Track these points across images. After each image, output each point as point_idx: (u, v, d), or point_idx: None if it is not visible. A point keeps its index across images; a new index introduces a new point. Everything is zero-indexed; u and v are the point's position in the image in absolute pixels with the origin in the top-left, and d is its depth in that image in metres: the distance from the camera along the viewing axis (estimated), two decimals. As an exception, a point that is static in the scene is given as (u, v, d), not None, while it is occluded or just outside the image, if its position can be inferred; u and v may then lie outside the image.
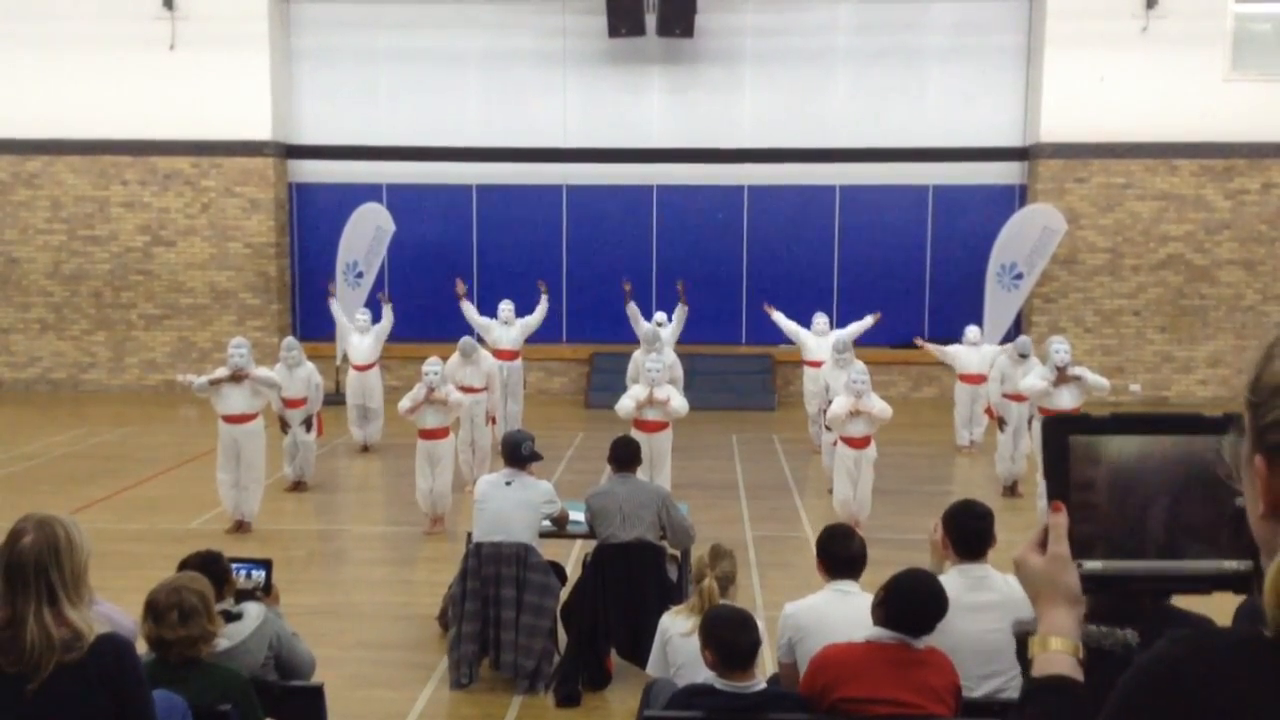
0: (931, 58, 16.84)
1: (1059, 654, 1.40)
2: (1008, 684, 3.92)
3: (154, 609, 3.59)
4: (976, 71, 16.83)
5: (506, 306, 13.23)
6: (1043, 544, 1.46)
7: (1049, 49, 16.11)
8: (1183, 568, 1.41)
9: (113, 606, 4.21)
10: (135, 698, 2.71)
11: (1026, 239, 15.26)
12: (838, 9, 16.91)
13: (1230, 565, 1.36)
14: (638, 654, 5.69)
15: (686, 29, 15.92)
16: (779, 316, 13.44)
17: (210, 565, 4.16)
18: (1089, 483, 1.43)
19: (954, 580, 4.12)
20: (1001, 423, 10.92)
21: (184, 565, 4.12)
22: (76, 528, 2.83)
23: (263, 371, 9.62)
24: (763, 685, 3.60)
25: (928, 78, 16.87)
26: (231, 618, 4.14)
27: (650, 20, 15.89)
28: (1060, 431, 1.44)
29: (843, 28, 16.95)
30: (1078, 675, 1.38)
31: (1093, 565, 1.43)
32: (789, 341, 13.86)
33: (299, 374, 10.83)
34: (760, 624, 4.70)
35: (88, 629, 2.69)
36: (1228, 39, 16.05)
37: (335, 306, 13.66)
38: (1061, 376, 9.27)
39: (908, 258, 17.05)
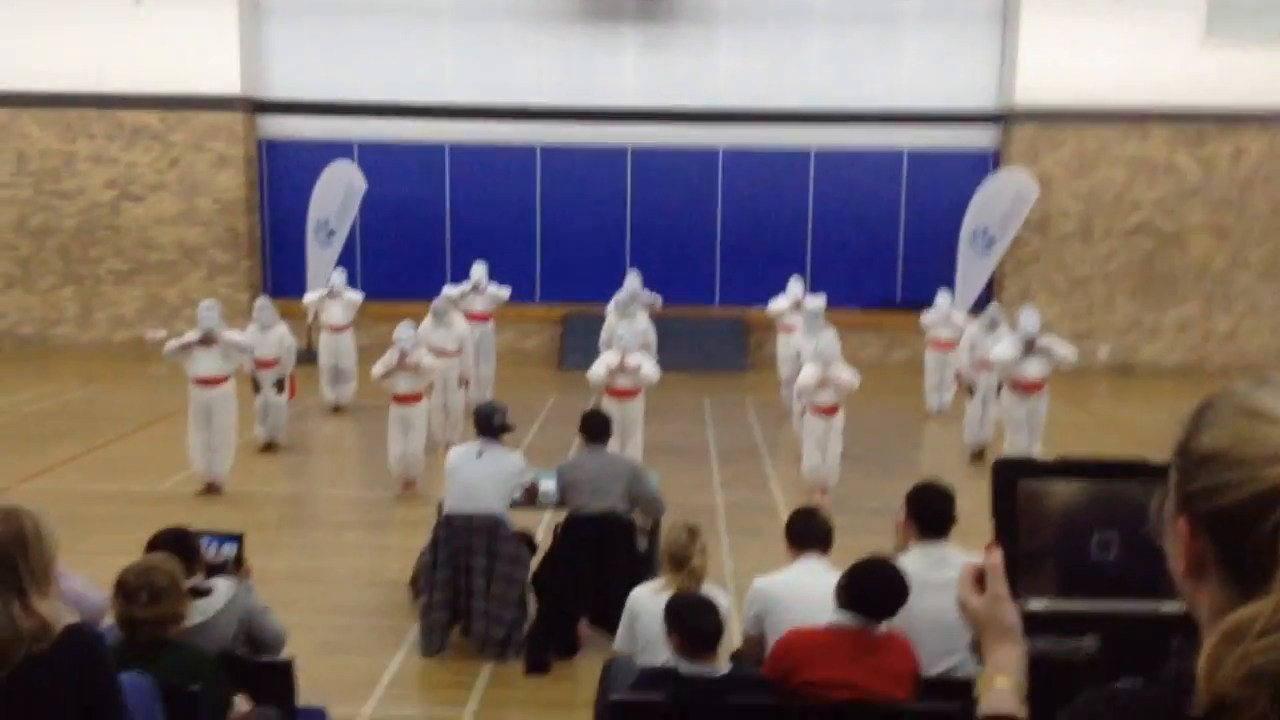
0: (908, 20, 16.77)
1: (1004, 692, 1.43)
2: (963, 663, 4.01)
3: (124, 589, 3.61)
4: (952, 35, 16.78)
5: (479, 269, 13.21)
6: (979, 581, 1.49)
7: (1025, 13, 16.08)
8: (1125, 608, 1.45)
9: (81, 579, 4.23)
10: (104, 688, 2.73)
11: (999, 204, 15.34)
12: (815, -32, 16.80)
13: (1169, 607, 1.39)
14: (607, 622, 5.77)
15: (662, -14, 15.79)
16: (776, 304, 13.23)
17: (179, 542, 4.17)
18: (1038, 523, 1.47)
19: (915, 559, 4.22)
20: (970, 390, 11.03)
21: (153, 543, 4.12)
22: (44, 517, 2.84)
23: (233, 334, 9.58)
24: (727, 668, 3.67)
25: (904, 41, 16.81)
26: (201, 593, 4.16)
27: (626, -23, 15.74)
28: (1009, 474, 1.48)
29: (820, -13, 16.85)
30: (1022, 713, 1.43)
31: (1036, 604, 1.47)
32: (762, 302, 13.88)
33: (271, 335, 10.80)
34: (729, 591, 4.82)
35: (55, 620, 2.70)
36: (1202, 5, 16.06)
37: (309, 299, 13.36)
38: (1030, 346, 9.35)
39: (881, 222, 17.08)
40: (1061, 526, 1.47)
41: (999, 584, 1.47)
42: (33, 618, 2.65)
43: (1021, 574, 1.47)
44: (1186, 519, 1.18)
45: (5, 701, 2.61)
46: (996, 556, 1.48)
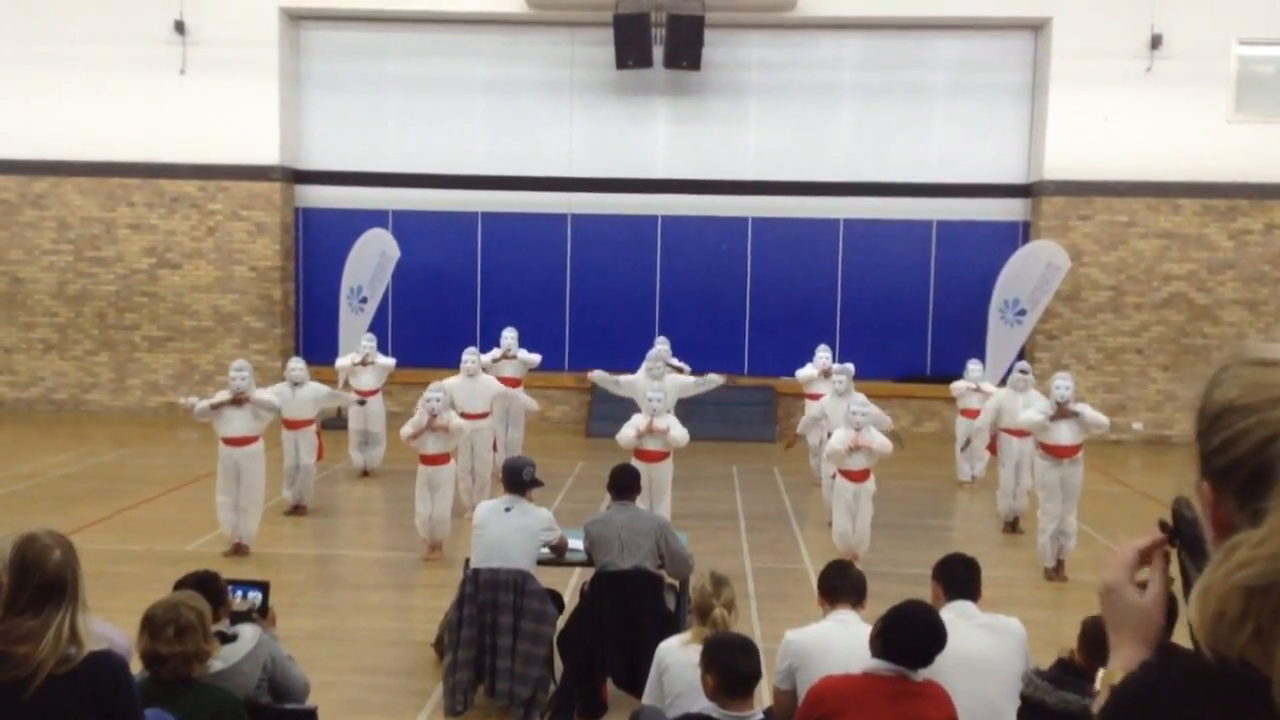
0: (936, 94, 16.92)
1: None
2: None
3: (151, 623, 3.59)
4: (981, 108, 16.91)
5: (509, 334, 13.24)
6: (1137, 573, 1.36)
7: (1053, 87, 16.19)
8: None
9: (108, 625, 4.20)
10: (126, 714, 2.69)
11: (1030, 275, 15.31)
12: (843, 44, 17.03)
13: None
14: (634, 684, 5.66)
15: (693, 62, 16.02)
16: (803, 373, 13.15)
17: (207, 585, 4.15)
18: None
19: (945, 613, 4.18)
20: (992, 450, 10.95)
21: (180, 584, 4.11)
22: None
23: (263, 394, 9.62)
24: (760, 715, 3.57)
25: (932, 114, 16.95)
26: (226, 639, 4.12)
27: (657, 52, 15.98)
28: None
29: (848, 63, 17.05)
30: None
31: None
32: (791, 373, 13.82)
33: (302, 393, 10.83)
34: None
35: (87, 642, 2.69)
36: (1231, 80, 16.13)
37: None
38: (1061, 411, 9.24)
39: (911, 292, 17.07)
40: None
41: (1161, 584, 1.34)
42: (75, 639, 2.64)
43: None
44: (1208, 481, 1.15)
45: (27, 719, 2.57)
46: (1156, 539, 1.34)
